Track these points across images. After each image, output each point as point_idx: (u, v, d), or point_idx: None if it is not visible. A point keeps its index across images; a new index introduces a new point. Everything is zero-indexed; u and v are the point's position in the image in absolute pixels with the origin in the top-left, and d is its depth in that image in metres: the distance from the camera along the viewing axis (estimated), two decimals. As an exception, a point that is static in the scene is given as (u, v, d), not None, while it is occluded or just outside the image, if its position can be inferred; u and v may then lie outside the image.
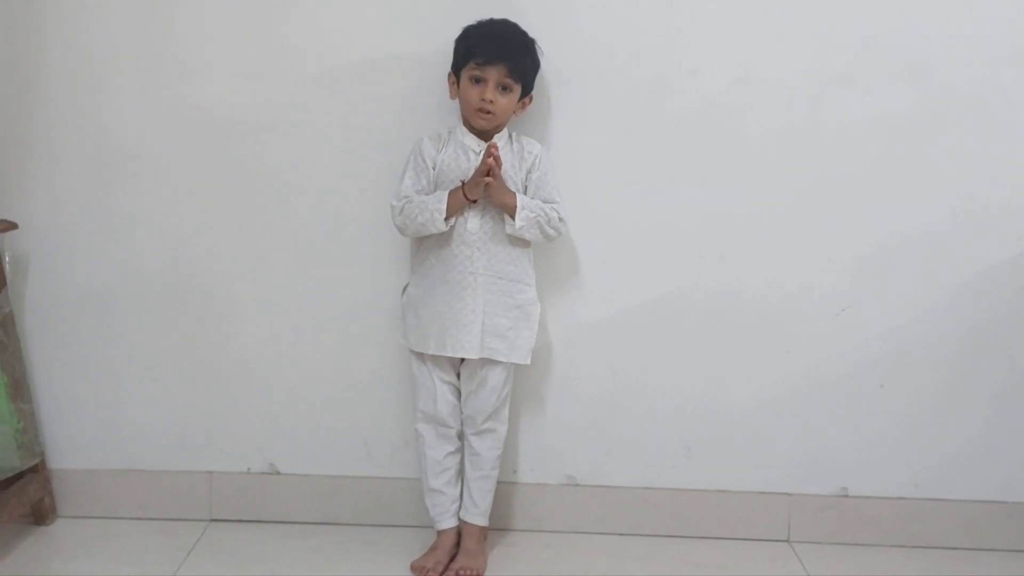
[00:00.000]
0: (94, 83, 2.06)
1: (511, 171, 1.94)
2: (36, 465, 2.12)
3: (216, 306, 2.15)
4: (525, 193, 1.96)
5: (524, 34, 1.93)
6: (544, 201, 1.96)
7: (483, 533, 2.07)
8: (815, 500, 2.19)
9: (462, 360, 2.00)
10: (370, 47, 2.04)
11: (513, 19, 1.93)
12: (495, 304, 1.95)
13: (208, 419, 2.20)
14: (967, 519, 2.19)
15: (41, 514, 2.16)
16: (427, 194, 1.92)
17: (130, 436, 2.20)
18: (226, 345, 2.17)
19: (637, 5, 2.02)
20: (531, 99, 1.97)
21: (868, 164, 2.07)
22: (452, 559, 2.03)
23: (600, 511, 2.21)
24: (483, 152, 1.87)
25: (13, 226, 2.05)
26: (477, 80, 1.88)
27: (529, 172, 1.97)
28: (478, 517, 2.05)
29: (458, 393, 2.04)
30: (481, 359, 1.96)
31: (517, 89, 1.91)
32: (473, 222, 1.92)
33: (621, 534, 2.20)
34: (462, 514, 2.06)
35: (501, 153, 1.88)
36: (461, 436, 2.07)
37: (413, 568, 2.02)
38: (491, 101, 1.87)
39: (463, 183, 1.89)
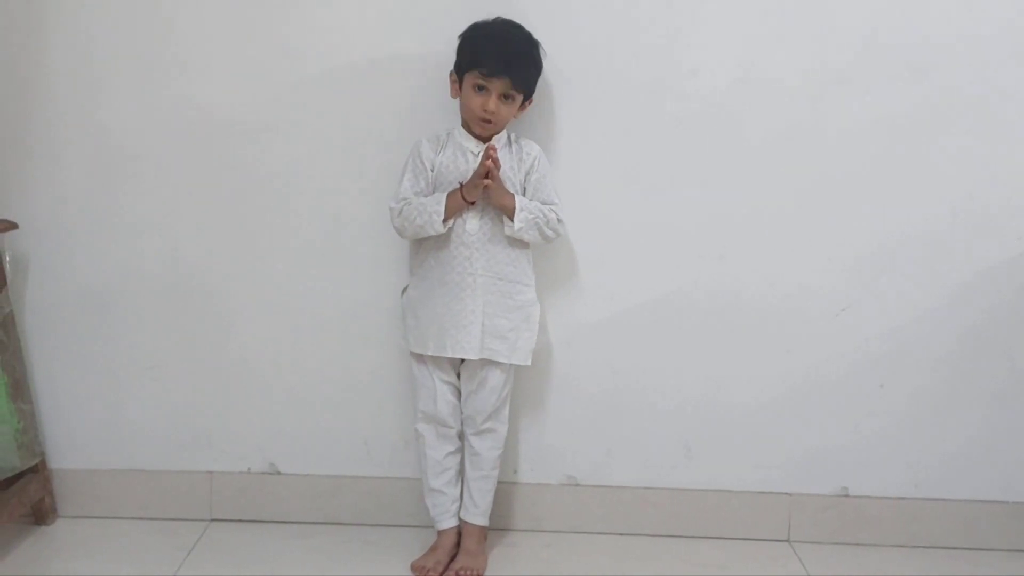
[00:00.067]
0: (94, 83, 2.06)
1: (510, 173, 1.94)
2: (36, 465, 2.12)
3: (216, 306, 2.15)
4: (524, 195, 1.96)
5: (530, 39, 1.91)
6: (543, 202, 1.95)
7: (483, 533, 2.07)
8: (815, 500, 2.19)
9: (462, 360, 2.00)
10: (370, 47, 2.03)
11: (513, 19, 1.92)
12: (495, 305, 1.94)
13: (208, 419, 2.20)
14: (967, 519, 2.19)
15: (41, 514, 2.16)
16: (426, 196, 1.92)
17: (130, 436, 2.20)
18: (226, 345, 2.17)
19: (637, 5, 2.02)
20: (531, 102, 1.96)
21: (868, 164, 2.07)
22: (452, 559, 2.03)
23: (600, 511, 2.21)
24: (481, 154, 1.87)
25: (13, 226, 2.05)
26: (480, 88, 1.87)
27: (528, 174, 1.97)
28: (478, 517, 2.05)
29: (458, 393, 2.04)
30: (481, 360, 1.96)
31: (519, 98, 1.91)
32: (472, 224, 1.92)
33: (621, 534, 2.20)
34: (462, 514, 2.06)
35: (500, 155, 1.87)
36: (461, 436, 2.07)
37: (413, 568, 2.02)
38: (493, 112, 1.87)
39: (461, 185, 1.89)
